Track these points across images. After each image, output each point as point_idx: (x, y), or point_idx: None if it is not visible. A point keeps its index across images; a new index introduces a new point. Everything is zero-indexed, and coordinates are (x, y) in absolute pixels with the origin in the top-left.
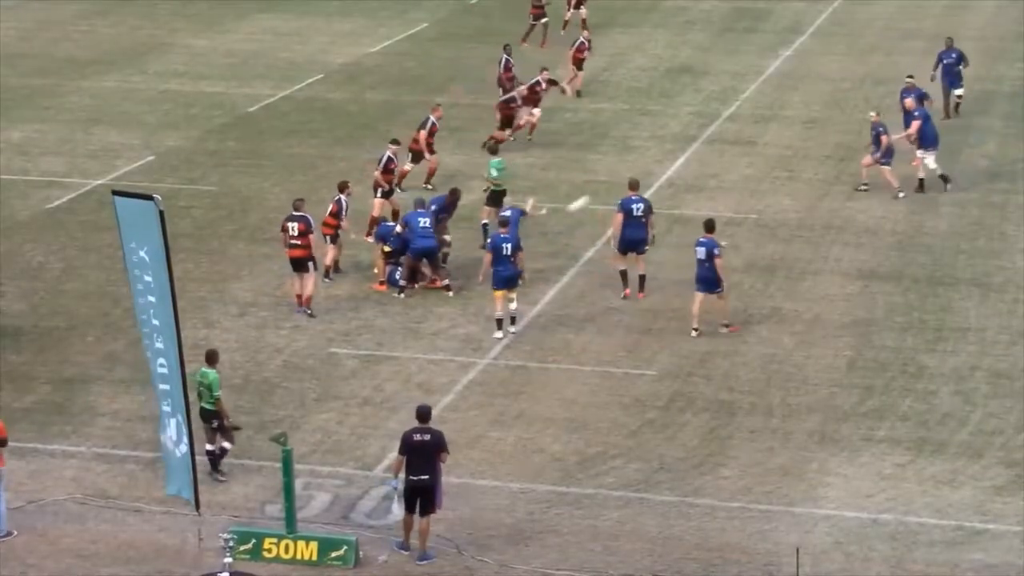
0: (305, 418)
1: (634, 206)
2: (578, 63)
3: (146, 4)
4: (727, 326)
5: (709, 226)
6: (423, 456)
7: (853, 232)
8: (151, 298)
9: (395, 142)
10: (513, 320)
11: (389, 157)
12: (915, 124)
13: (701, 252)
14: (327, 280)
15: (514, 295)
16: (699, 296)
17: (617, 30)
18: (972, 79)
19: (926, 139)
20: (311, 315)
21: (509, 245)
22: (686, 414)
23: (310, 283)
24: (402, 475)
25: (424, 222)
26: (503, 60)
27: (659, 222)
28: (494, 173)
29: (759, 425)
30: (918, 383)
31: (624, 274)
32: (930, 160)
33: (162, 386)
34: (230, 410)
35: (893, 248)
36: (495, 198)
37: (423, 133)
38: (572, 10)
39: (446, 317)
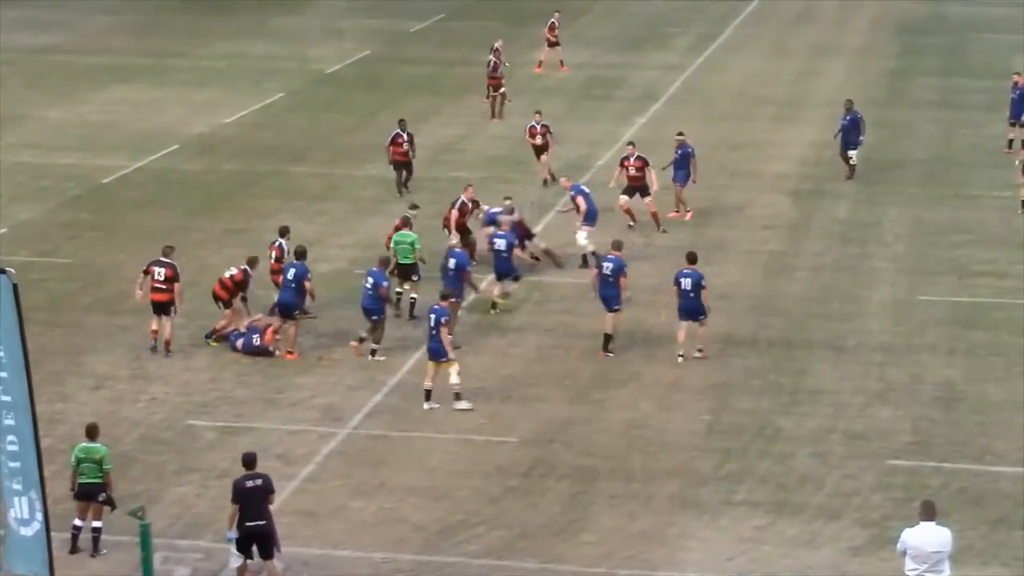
0: (163, 491)
1: (683, 280)
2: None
3: None
4: (700, 351)
5: (692, 258)
6: (256, 501)
7: (710, 297)
8: (1, 374)
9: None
10: (457, 396)
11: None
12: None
13: (687, 283)
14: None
15: (451, 368)
16: (684, 325)
17: (474, 98)
18: (821, 145)
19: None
20: (169, 354)
21: (434, 316)
22: (547, 480)
23: (168, 327)
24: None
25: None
26: (394, 134)
27: (523, 290)
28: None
29: (620, 490)
30: (775, 446)
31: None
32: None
33: (12, 464)
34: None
35: (749, 312)
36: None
37: (454, 213)
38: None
39: (306, 387)
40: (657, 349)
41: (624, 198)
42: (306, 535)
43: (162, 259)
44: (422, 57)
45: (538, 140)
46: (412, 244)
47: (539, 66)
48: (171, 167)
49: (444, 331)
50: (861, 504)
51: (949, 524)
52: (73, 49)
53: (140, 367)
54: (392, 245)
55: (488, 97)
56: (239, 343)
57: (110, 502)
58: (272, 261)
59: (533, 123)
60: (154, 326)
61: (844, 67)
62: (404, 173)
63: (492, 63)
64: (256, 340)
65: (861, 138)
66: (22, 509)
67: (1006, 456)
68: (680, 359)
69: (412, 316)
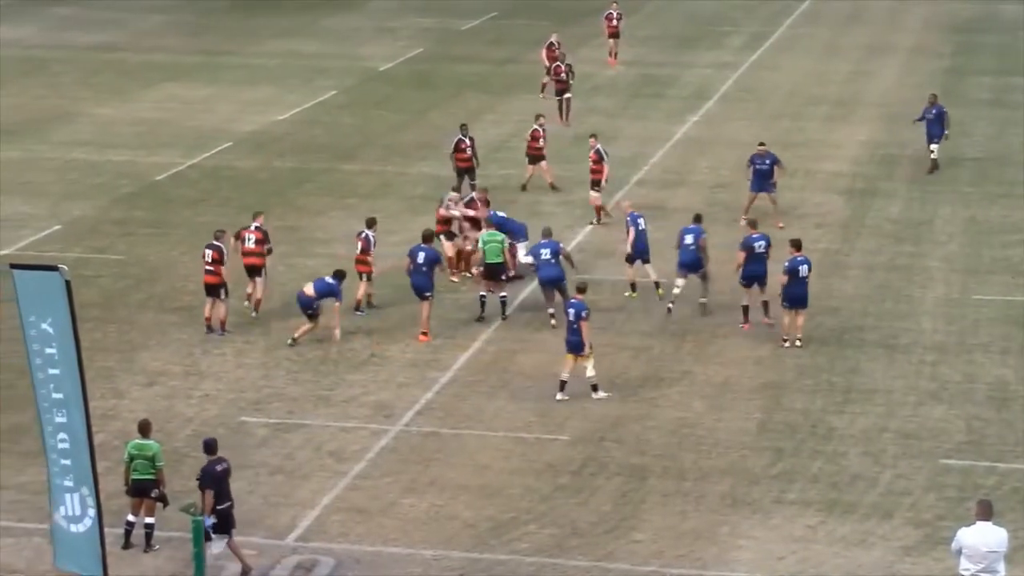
0: None
1: (755, 243)
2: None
3: (49, 74)
4: (799, 340)
5: (797, 245)
6: (226, 484)
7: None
8: (53, 371)
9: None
10: (593, 388)
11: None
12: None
13: (804, 270)
14: (359, 312)
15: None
16: (790, 312)
17: (524, 96)
18: (874, 144)
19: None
20: (224, 333)
21: (572, 311)
22: (598, 479)
23: (222, 308)
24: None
25: (546, 252)
26: (456, 140)
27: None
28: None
29: (671, 489)
30: (827, 445)
31: (746, 309)
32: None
33: (63, 461)
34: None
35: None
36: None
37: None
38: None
39: (357, 384)
40: (708, 347)
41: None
42: (357, 532)
43: (212, 242)
44: (473, 55)
45: (540, 143)
46: (501, 243)
47: (613, 58)
48: (224, 164)
49: (585, 325)
50: (913, 504)
51: (1004, 524)
52: (126, 47)
53: (193, 364)
54: (481, 245)
55: (557, 102)
56: None
57: (163, 498)
58: (358, 252)
59: (536, 127)
60: (207, 312)
61: (897, 66)
62: (467, 178)
63: (554, 66)
64: None
65: (945, 132)
66: (73, 506)
67: None
68: (785, 344)
69: (504, 316)
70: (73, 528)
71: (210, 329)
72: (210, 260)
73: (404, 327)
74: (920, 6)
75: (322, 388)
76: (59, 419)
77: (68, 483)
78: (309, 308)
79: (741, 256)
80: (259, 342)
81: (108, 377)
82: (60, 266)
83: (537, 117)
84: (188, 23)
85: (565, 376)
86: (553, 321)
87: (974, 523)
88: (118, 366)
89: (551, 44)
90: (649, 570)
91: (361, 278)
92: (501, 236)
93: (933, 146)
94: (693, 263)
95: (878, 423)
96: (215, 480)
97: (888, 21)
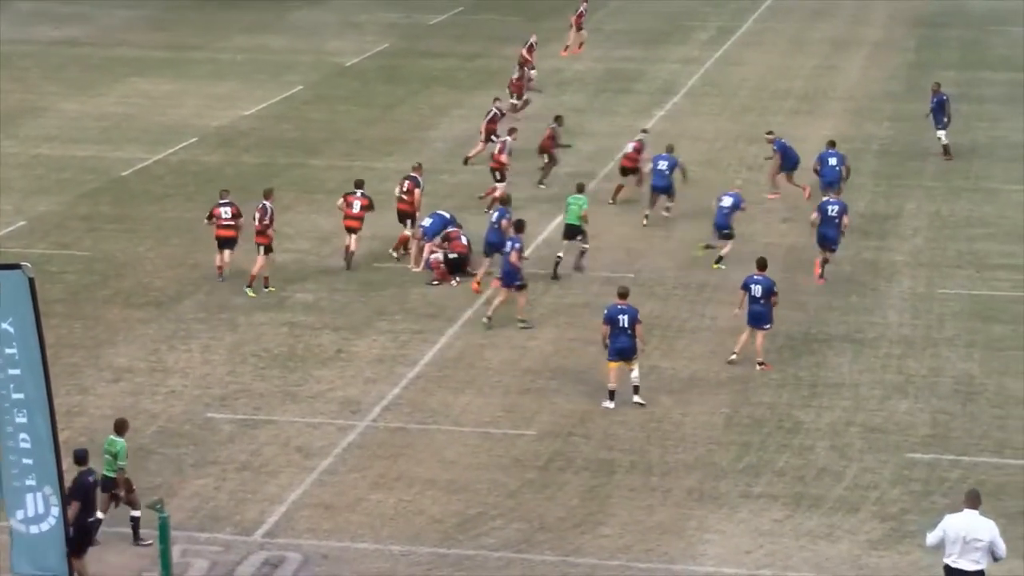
0: (182, 484)
1: (753, 286)
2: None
3: (16, 68)
4: (761, 364)
5: (762, 264)
6: (94, 497)
7: (728, 290)
8: (13, 371)
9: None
10: (636, 390)
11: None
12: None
13: (757, 290)
14: (248, 290)
15: (633, 365)
16: (748, 331)
17: (492, 91)
18: (840, 139)
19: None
20: (222, 279)
21: (626, 317)
22: (566, 473)
23: (228, 257)
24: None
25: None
26: (490, 112)
27: (536, 280)
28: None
29: (638, 483)
30: (794, 439)
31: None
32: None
33: (25, 461)
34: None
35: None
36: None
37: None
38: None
39: (324, 380)
40: (676, 342)
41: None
42: (324, 528)
43: (222, 201)
44: (440, 50)
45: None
46: (581, 206)
47: (565, 50)
48: (190, 159)
49: (639, 329)
50: (879, 497)
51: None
52: (91, 42)
53: (159, 360)
54: (567, 205)
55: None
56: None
57: (116, 499)
58: (255, 223)
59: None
60: (218, 261)
61: (862, 61)
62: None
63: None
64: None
65: (946, 119)
66: (35, 506)
67: None
68: (733, 358)
69: (580, 267)
70: (33, 529)
71: (223, 279)
72: (230, 216)
73: (370, 323)
74: (885, 1)
75: (289, 384)
76: (20, 419)
77: (30, 482)
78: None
79: (741, 296)
80: (225, 338)
81: (73, 374)
82: (24, 264)
83: (557, 118)
84: (154, 18)
85: (613, 385)
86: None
87: (961, 510)
88: (84, 362)
89: (531, 45)
90: (616, 564)
91: (259, 251)
92: (583, 200)
93: (940, 133)
94: (761, 316)
95: (844, 417)
96: (85, 491)
97: (853, 16)
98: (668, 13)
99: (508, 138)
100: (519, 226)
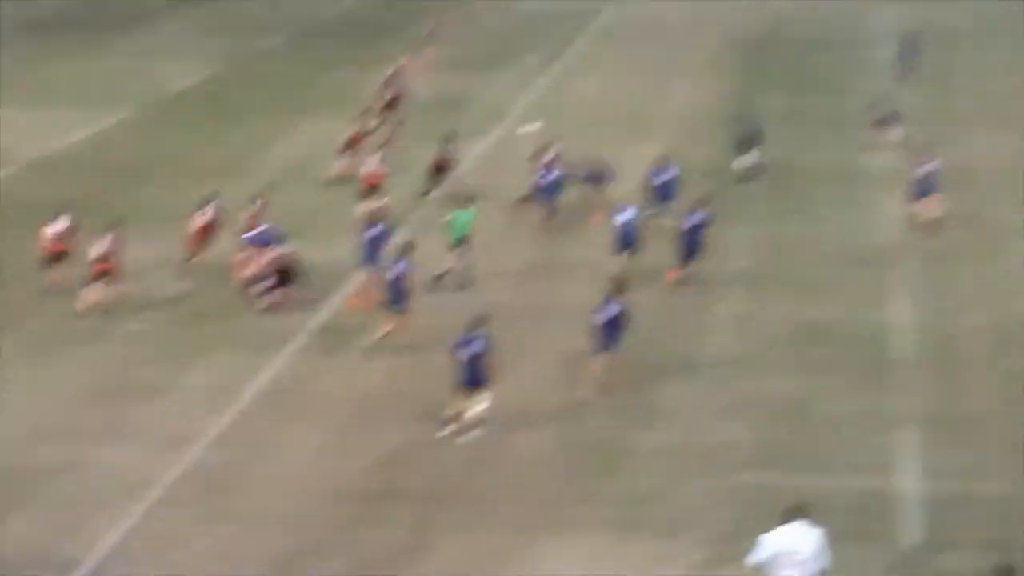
0: (1, 524)
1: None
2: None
3: None
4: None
5: (618, 287)
6: None
7: (561, 313)
8: None
9: None
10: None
11: None
12: None
13: (599, 318)
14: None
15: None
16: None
17: (322, 118)
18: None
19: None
20: None
21: (473, 346)
22: (393, 505)
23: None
24: None
25: None
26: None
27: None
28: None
29: (467, 513)
30: (623, 463)
31: None
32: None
33: None
34: None
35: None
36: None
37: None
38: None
39: (150, 413)
40: (505, 366)
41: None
42: (150, 565)
43: (57, 219)
44: (269, 76)
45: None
46: (468, 221)
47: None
48: (8, 190)
49: (492, 359)
50: (709, 520)
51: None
52: None
53: None
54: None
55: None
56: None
57: None
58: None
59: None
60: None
61: (691, 84)
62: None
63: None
64: None
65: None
66: None
67: (850, 469)
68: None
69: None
70: None
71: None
72: (60, 231)
73: (200, 352)
74: (713, 24)
75: (114, 417)
76: None
77: None
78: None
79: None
80: (49, 370)
81: None
82: None
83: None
84: None
85: (452, 413)
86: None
87: (786, 523)
88: None
89: (397, 69)
90: None
91: (100, 282)
92: (471, 212)
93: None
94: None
95: (674, 440)
96: None
97: (681, 40)
98: (499, 37)
99: (377, 156)
100: (407, 247)
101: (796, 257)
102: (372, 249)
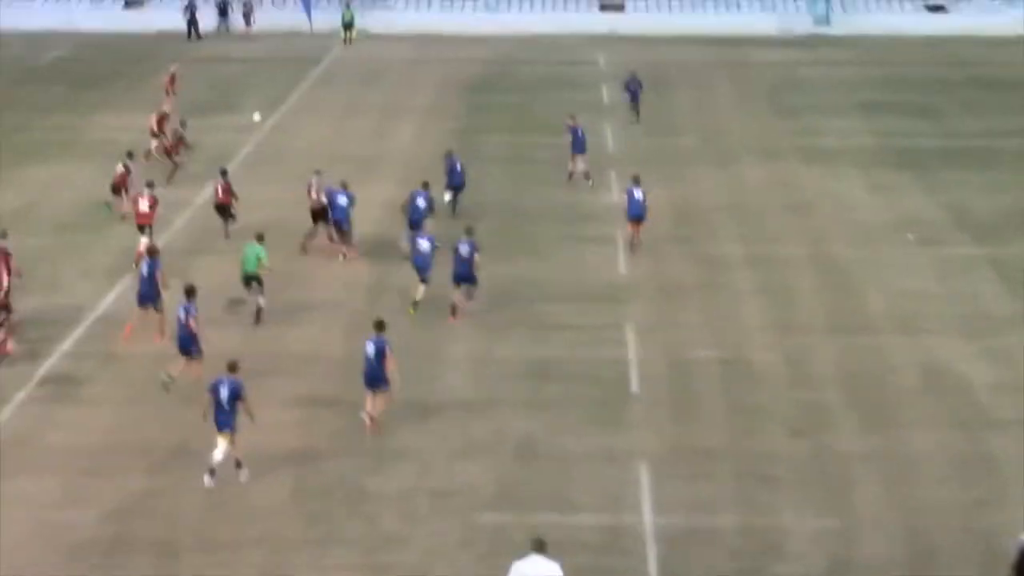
0: None
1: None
2: None
3: None
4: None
5: (379, 325)
6: None
7: (291, 361)
8: None
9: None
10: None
11: None
12: None
13: (371, 349)
14: None
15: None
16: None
17: (36, 165)
18: (394, 204)
19: None
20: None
21: (226, 389)
22: (131, 556)
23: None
24: None
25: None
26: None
27: (94, 359)
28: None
29: (205, 562)
30: (362, 507)
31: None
32: None
33: None
34: None
35: (331, 373)
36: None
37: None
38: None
39: None
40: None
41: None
42: None
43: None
44: None
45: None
46: (259, 255)
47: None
48: None
49: (246, 404)
50: (449, 562)
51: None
52: None
53: None
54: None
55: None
56: None
57: None
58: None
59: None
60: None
61: (415, 126)
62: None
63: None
64: None
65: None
66: None
67: (586, 506)
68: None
69: (259, 319)
70: None
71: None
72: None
73: None
74: (435, 68)
75: None
76: None
77: None
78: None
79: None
80: None
81: None
82: None
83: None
84: None
85: (220, 458)
86: None
87: (527, 555)
88: None
89: (163, 114)
90: None
91: None
92: (260, 248)
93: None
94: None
95: (411, 483)
96: None
97: (403, 82)
98: (220, 82)
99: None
100: (191, 291)
101: (526, 296)
102: (146, 286)
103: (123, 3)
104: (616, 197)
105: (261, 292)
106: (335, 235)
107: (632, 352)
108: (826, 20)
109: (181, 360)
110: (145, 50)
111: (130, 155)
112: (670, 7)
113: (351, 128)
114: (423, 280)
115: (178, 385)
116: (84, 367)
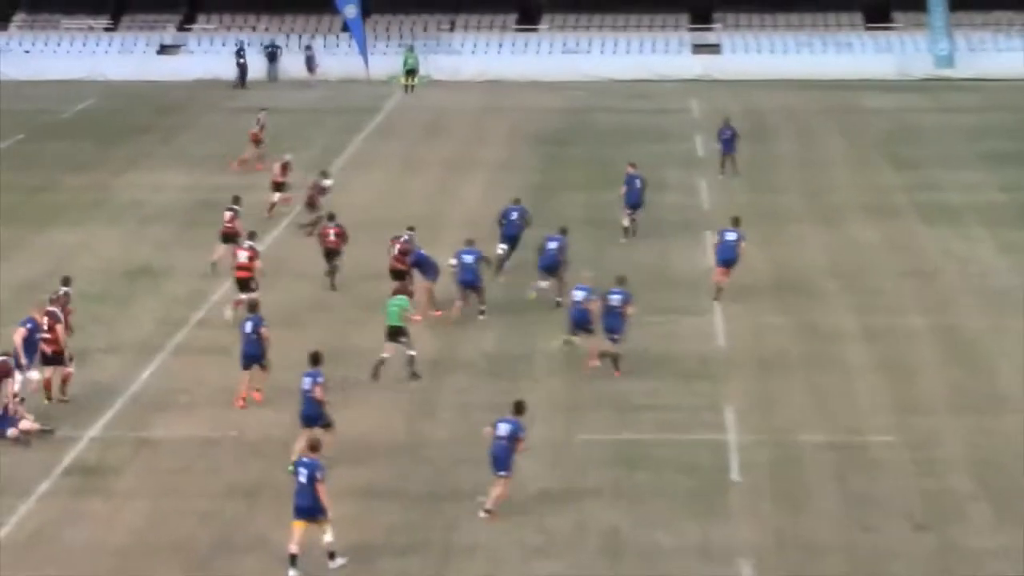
0: None
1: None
2: None
3: None
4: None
5: (518, 408)
6: None
7: (342, 447)
8: None
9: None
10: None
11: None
12: None
13: (503, 429)
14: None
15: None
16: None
17: (60, 228)
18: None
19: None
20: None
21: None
22: None
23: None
24: None
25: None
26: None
27: (125, 445)
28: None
29: None
30: None
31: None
32: None
33: None
34: None
35: (390, 461)
36: None
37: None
38: None
39: None
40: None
41: None
42: None
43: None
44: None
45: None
46: (402, 307)
47: (238, 164)
48: None
49: (321, 486)
50: None
51: None
52: None
53: None
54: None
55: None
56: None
57: None
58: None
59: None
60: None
61: (483, 182)
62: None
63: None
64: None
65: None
66: None
67: None
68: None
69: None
70: None
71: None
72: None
73: None
74: (505, 117)
75: None
76: None
77: None
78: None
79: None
80: None
81: None
82: None
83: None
84: None
85: (295, 549)
86: None
87: None
88: None
89: (285, 164)
90: None
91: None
92: (404, 299)
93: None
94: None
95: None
96: None
97: (471, 133)
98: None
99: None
100: (317, 357)
101: (610, 372)
102: (251, 346)
103: (156, 48)
104: (711, 261)
105: (409, 344)
106: (461, 295)
107: (731, 435)
108: (950, 61)
109: (303, 435)
110: (181, 100)
111: (236, 200)
112: (772, 48)
113: (411, 185)
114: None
115: (221, 472)
116: (114, 455)
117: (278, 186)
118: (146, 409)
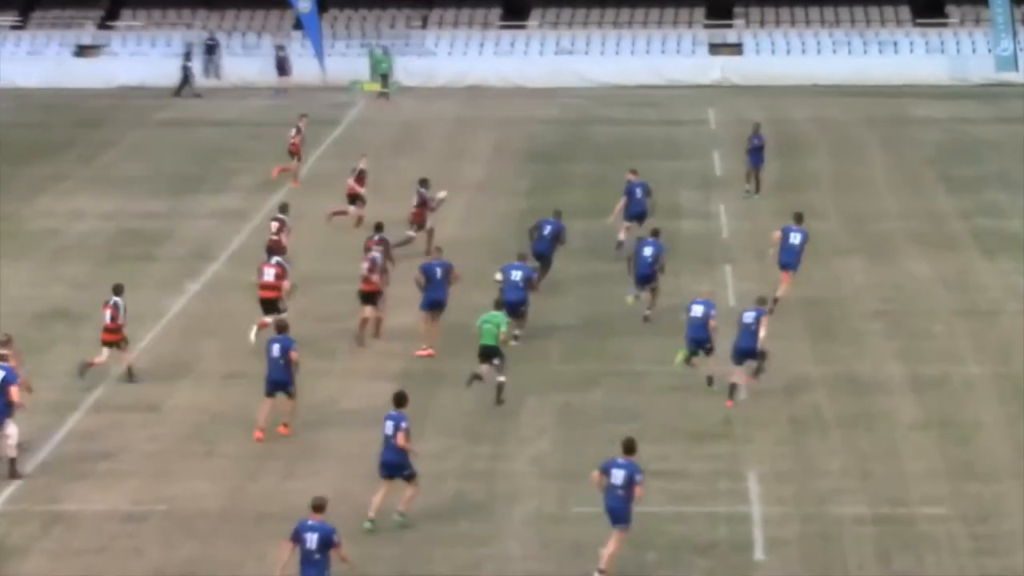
0: None
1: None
2: None
3: None
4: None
5: (629, 447)
6: None
7: (291, 521)
8: None
9: None
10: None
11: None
12: None
13: (619, 477)
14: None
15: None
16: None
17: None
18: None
19: None
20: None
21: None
22: None
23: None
24: None
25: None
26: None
27: (33, 520)
28: None
29: None
30: None
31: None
32: None
33: None
34: None
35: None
36: None
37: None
38: None
39: None
40: None
41: None
42: None
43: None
44: None
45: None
46: (499, 325)
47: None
48: None
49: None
50: None
51: None
52: None
53: None
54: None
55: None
56: None
57: None
58: (107, 320)
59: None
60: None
61: (462, 208)
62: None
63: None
64: None
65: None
66: None
67: None
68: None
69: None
70: None
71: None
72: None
73: None
74: (487, 130)
75: None
76: None
77: None
78: None
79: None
80: None
81: None
82: None
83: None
84: None
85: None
86: None
87: None
88: None
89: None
90: None
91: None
92: (499, 315)
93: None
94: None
95: None
96: None
97: (447, 149)
98: (203, 152)
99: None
100: (401, 399)
101: (614, 433)
102: (278, 371)
103: (73, 50)
104: (732, 300)
105: (502, 368)
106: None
107: (755, 507)
108: (1013, 64)
109: (383, 486)
110: (103, 111)
111: (283, 208)
112: (803, 47)
113: (377, 211)
114: None
115: (145, 553)
116: (20, 532)
117: (353, 198)
118: (59, 478)
